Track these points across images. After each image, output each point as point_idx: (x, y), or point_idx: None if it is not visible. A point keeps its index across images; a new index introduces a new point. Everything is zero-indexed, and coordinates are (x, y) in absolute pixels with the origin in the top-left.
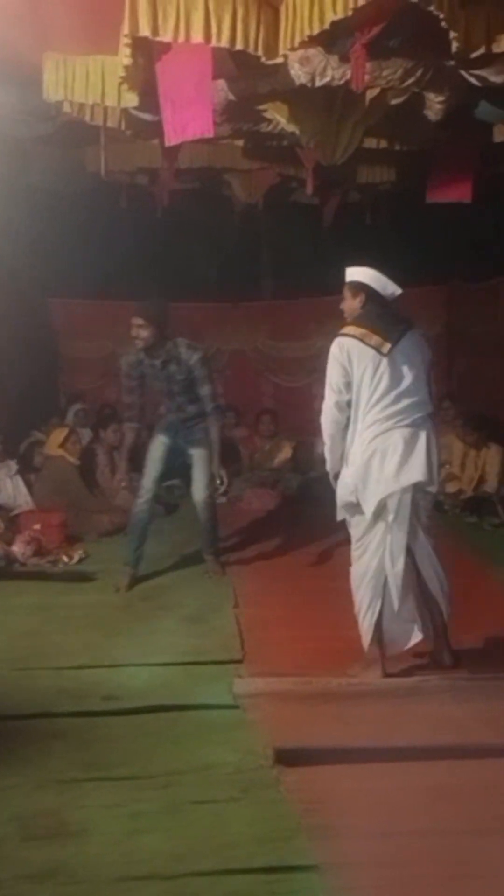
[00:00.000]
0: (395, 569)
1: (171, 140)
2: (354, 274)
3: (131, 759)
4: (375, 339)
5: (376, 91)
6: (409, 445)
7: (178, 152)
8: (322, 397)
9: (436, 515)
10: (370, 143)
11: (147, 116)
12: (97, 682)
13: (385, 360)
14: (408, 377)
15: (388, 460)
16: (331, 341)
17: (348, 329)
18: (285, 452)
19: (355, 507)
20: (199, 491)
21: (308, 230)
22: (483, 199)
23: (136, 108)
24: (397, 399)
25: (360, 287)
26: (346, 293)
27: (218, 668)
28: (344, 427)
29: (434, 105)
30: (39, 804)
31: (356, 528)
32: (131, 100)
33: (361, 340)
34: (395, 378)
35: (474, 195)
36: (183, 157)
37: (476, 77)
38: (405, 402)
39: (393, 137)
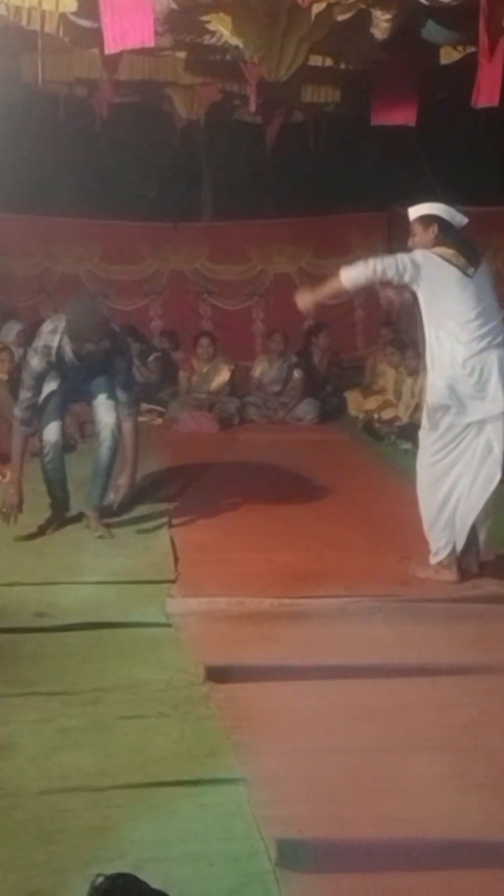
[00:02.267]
0: (492, 483)
1: (110, 48)
2: (421, 209)
3: (60, 676)
4: (462, 261)
5: (323, 6)
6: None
7: (118, 62)
8: (261, 321)
9: (372, 442)
10: (315, 60)
11: (86, 23)
12: (27, 600)
13: (471, 282)
14: (489, 299)
15: (490, 383)
16: (271, 265)
17: (437, 249)
18: (223, 376)
19: (447, 412)
20: (106, 413)
21: (250, 150)
22: (426, 125)
23: (74, 13)
24: (486, 319)
25: (431, 219)
26: (416, 228)
27: (151, 588)
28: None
29: (381, 23)
30: None
31: (443, 437)
32: (70, 4)
33: (449, 261)
34: (480, 299)
35: (419, 119)
36: (123, 69)
37: None
38: (491, 323)
39: (338, 55)
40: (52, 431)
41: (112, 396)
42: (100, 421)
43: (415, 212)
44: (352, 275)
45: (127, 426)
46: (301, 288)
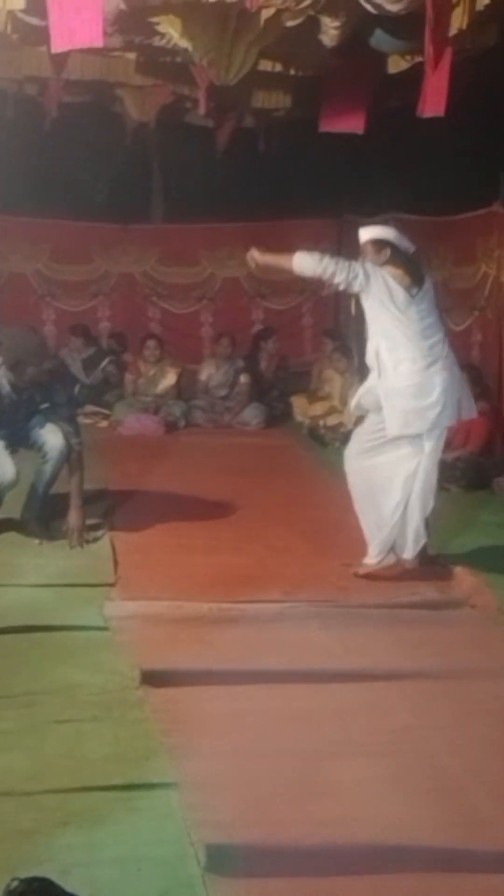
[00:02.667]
0: (428, 492)
1: (57, 47)
2: (375, 231)
3: None
4: (407, 281)
5: (272, 11)
6: (447, 387)
7: (66, 61)
8: (210, 325)
9: (317, 448)
10: (265, 65)
11: (34, 20)
12: None
13: (414, 302)
14: (431, 318)
15: (428, 400)
16: (221, 269)
17: (386, 267)
18: (169, 379)
19: (371, 415)
20: (52, 434)
21: (201, 153)
22: (376, 132)
23: (22, 10)
24: (428, 337)
25: (384, 243)
26: (368, 249)
27: (89, 591)
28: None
29: (329, 30)
30: None
31: (373, 437)
32: (17, 2)
33: (395, 279)
34: (423, 318)
35: (366, 127)
36: (74, 68)
37: (372, 4)
38: (432, 339)
39: (287, 61)
40: (6, 472)
41: (55, 423)
42: (46, 441)
43: (367, 233)
44: (304, 263)
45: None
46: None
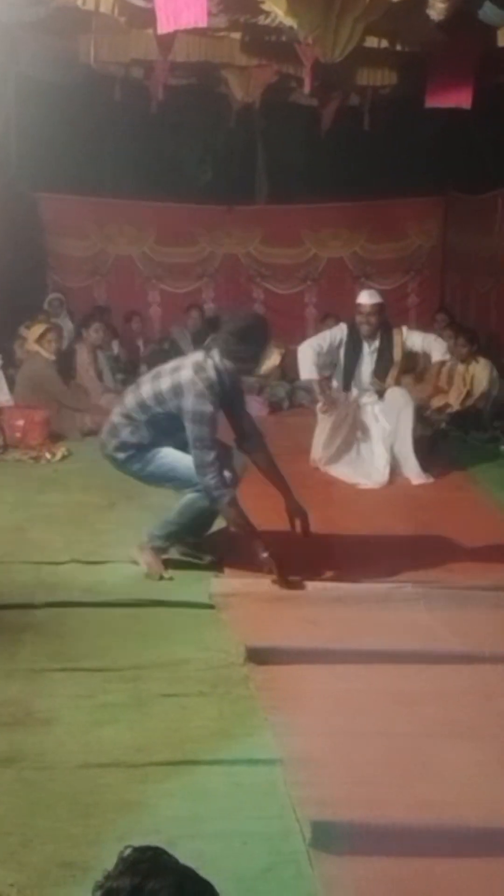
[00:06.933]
0: None
1: (163, 28)
2: (378, 296)
3: (102, 652)
4: None
5: None
6: None
7: (173, 43)
8: (314, 305)
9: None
10: (371, 42)
11: (140, 3)
12: (75, 577)
13: None
14: None
15: None
16: (324, 249)
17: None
18: (273, 359)
19: None
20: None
21: (305, 133)
22: (483, 108)
23: None
24: None
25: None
26: (378, 310)
27: (196, 569)
28: None
29: (437, 4)
30: (7, 692)
31: None
32: None
33: None
34: None
35: (474, 102)
36: (179, 51)
37: None
38: None
39: (394, 37)
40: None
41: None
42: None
43: (376, 297)
44: None
45: None
46: None
